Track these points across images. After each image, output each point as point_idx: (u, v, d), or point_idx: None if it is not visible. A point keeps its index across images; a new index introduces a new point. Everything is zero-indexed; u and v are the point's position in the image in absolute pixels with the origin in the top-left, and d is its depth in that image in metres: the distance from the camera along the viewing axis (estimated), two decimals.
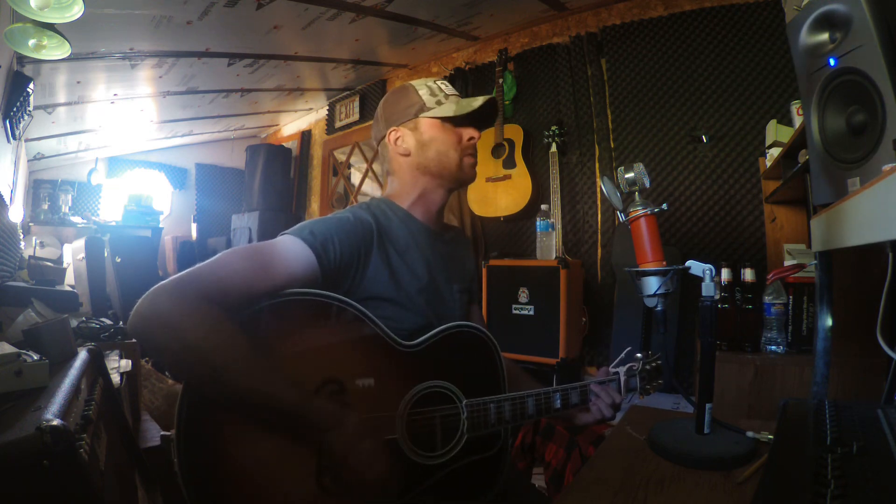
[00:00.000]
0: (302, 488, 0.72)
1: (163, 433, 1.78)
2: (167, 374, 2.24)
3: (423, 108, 0.93)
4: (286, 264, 0.76)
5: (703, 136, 2.33)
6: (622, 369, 0.98)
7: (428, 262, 0.94)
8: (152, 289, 0.67)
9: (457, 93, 0.97)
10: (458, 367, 0.86)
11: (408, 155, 0.94)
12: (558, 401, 0.90)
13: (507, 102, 2.93)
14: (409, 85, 0.96)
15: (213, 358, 0.66)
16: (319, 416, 0.71)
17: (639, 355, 1.02)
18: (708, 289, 0.85)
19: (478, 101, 0.92)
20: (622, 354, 1.02)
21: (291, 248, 0.78)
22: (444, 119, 0.93)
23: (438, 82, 0.97)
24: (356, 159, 4.41)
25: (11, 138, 2.61)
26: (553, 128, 2.72)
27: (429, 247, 0.96)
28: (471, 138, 0.94)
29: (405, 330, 0.84)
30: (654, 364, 1.03)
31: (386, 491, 0.76)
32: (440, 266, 0.97)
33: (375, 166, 4.11)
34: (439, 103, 0.93)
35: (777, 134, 1.77)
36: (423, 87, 0.94)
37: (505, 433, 0.88)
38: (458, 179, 0.96)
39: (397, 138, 0.95)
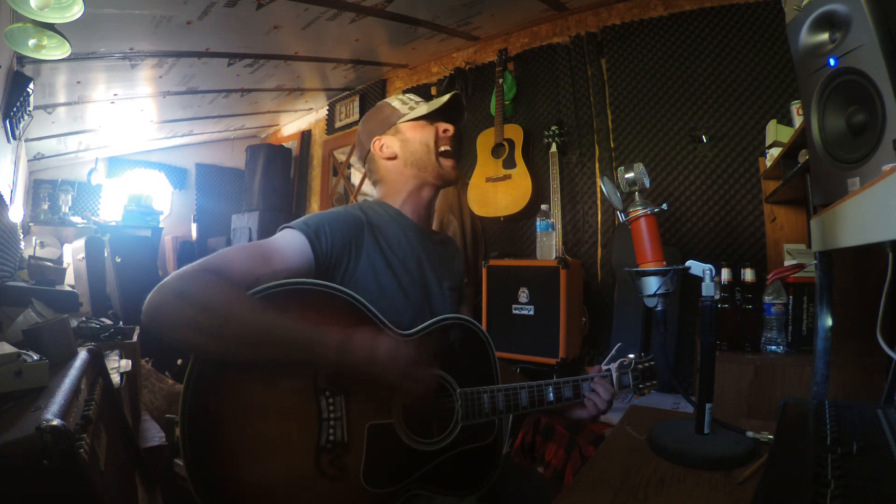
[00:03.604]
0: (301, 470, 0.74)
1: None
2: (167, 373, 2.24)
3: (399, 115, 1.03)
4: (283, 252, 0.82)
5: (703, 136, 2.33)
6: (613, 365, 1.01)
7: (419, 258, 0.98)
8: (161, 281, 0.72)
9: (423, 99, 1.07)
10: (453, 357, 0.88)
11: (394, 157, 1.03)
12: (551, 393, 0.93)
13: (507, 102, 2.92)
14: (380, 102, 1.07)
15: (223, 308, 0.70)
16: (330, 340, 0.73)
17: (631, 355, 1.03)
18: (708, 289, 0.85)
19: (444, 98, 1.03)
20: (612, 351, 1.05)
21: (287, 237, 0.84)
22: (420, 118, 1.02)
23: (407, 94, 1.08)
24: (356, 159, 4.41)
25: (11, 138, 2.61)
26: (553, 128, 2.72)
27: (420, 244, 1.00)
28: (445, 130, 1.03)
29: (398, 322, 0.86)
30: (647, 364, 1.04)
31: (380, 471, 0.78)
32: (431, 263, 1.01)
33: None
34: (412, 108, 1.03)
35: (777, 134, 1.77)
36: (395, 101, 1.06)
37: (499, 423, 0.90)
38: (440, 175, 1.03)
39: (382, 146, 1.03)
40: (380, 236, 0.93)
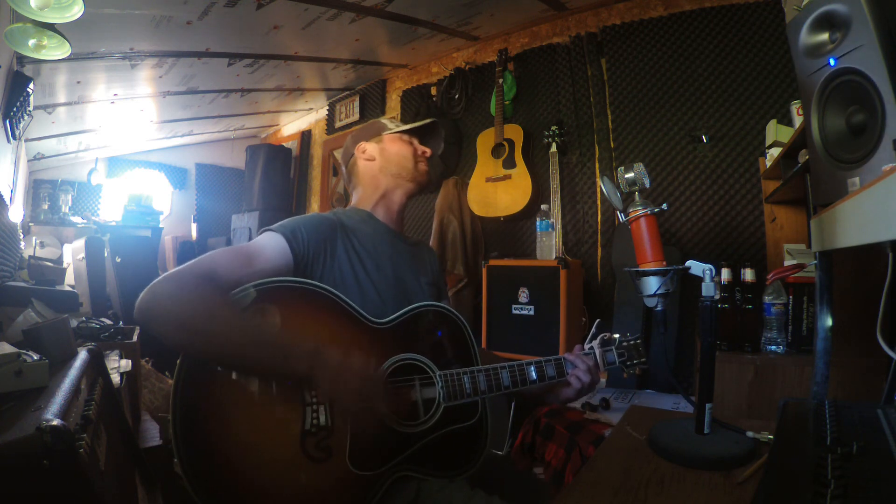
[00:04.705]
0: (288, 455, 0.76)
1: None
2: (167, 373, 2.24)
3: (385, 128, 1.15)
4: (264, 253, 0.88)
5: (703, 136, 2.33)
6: (595, 342, 1.01)
7: (392, 256, 1.03)
8: (154, 280, 0.77)
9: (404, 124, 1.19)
10: (431, 342, 0.91)
11: (372, 160, 1.13)
12: (533, 372, 0.95)
13: (507, 102, 2.92)
14: (373, 120, 1.21)
15: (205, 315, 0.75)
16: (302, 351, 0.76)
17: (616, 335, 1.03)
18: (708, 289, 0.85)
19: (425, 121, 1.18)
20: (593, 329, 1.05)
21: (267, 239, 0.91)
22: (401, 133, 1.14)
23: (396, 120, 1.22)
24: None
25: (11, 138, 2.61)
26: (553, 128, 2.72)
27: (391, 244, 1.06)
28: (424, 152, 1.15)
29: (376, 313, 0.89)
30: (632, 342, 1.04)
31: (366, 453, 0.80)
32: (405, 261, 1.07)
33: None
34: (397, 126, 1.15)
35: (777, 134, 1.77)
36: (385, 119, 1.18)
37: (483, 404, 0.92)
38: (415, 178, 1.12)
39: (364, 150, 1.14)
40: (352, 236, 0.99)
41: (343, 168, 1.19)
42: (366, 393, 0.77)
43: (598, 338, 1.02)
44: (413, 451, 0.84)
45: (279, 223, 0.94)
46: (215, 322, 0.74)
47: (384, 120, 1.18)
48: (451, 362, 0.91)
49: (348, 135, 1.21)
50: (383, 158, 1.12)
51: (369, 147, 1.13)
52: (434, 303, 0.95)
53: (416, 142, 1.15)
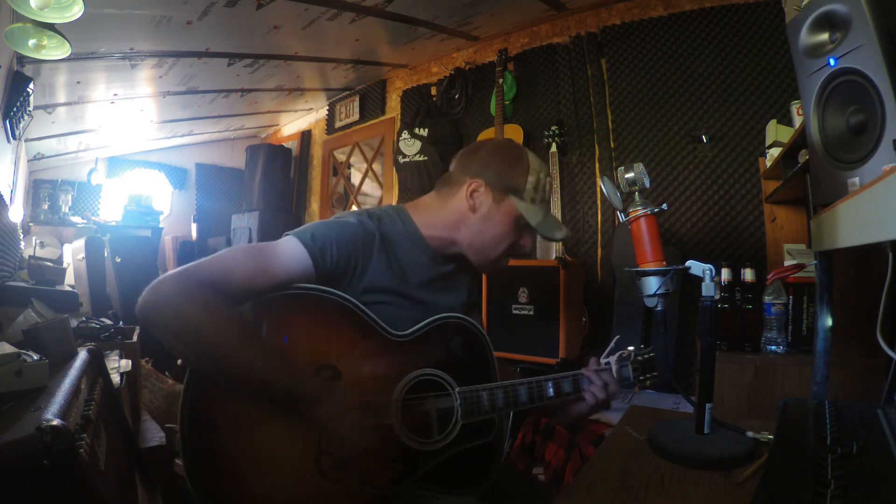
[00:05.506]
0: (301, 473, 0.74)
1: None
2: (167, 373, 2.24)
3: (519, 194, 0.92)
4: (285, 266, 0.80)
5: (704, 136, 2.33)
6: (613, 358, 1.00)
7: (429, 276, 0.95)
8: (159, 277, 0.72)
9: (549, 200, 0.98)
10: (450, 356, 0.88)
11: (472, 210, 0.93)
12: (551, 389, 0.93)
13: (507, 102, 2.92)
14: (526, 157, 0.94)
15: (210, 335, 0.70)
16: (309, 389, 0.74)
17: (631, 348, 1.03)
18: (708, 289, 0.85)
19: (558, 236, 0.96)
20: (611, 344, 1.04)
21: (291, 250, 0.81)
22: (523, 215, 0.92)
23: (548, 179, 0.97)
24: (356, 159, 4.41)
25: (11, 138, 2.61)
26: (553, 128, 2.72)
27: (431, 264, 0.96)
28: (523, 245, 0.97)
29: (403, 329, 0.86)
30: (646, 356, 1.03)
31: (382, 473, 0.78)
32: (441, 280, 0.98)
33: (375, 166, 4.11)
34: (533, 201, 0.93)
35: (777, 134, 1.77)
36: (535, 175, 0.93)
37: (499, 420, 0.90)
38: (482, 264, 0.97)
39: (475, 191, 0.92)
40: (390, 250, 0.89)
41: (449, 169, 1.00)
42: (362, 446, 0.75)
43: (617, 354, 1.01)
44: (429, 469, 0.82)
45: (309, 232, 0.83)
46: (213, 342, 0.70)
47: (531, 177, 0.92)
48: (470, 377, 0.88)
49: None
50: (481, 223, 0.93)
51: (484, 197, 0.92)
52: (456, 314, 0.90)
53: (528, 237, 0.96)
